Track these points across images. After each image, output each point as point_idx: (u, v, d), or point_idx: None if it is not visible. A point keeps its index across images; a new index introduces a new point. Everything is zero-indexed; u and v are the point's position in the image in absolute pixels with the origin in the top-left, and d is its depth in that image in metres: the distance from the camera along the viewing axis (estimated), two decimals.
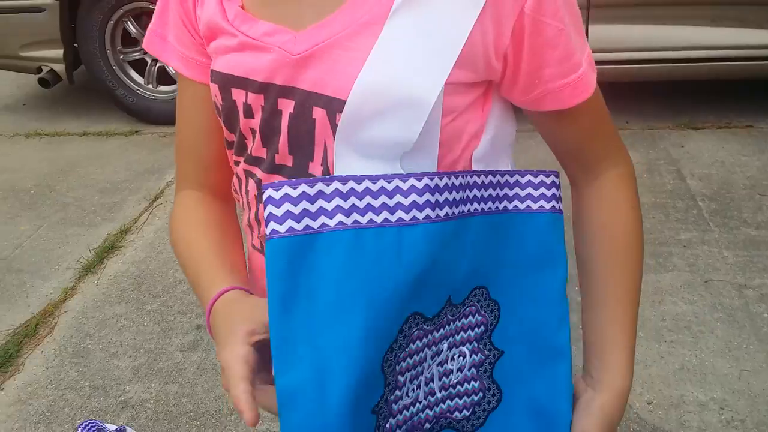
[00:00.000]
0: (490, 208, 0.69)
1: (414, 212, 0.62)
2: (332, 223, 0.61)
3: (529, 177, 0.72)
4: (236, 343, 0.65)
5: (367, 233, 0.61)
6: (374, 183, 0.61)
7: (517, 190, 0.71)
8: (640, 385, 2.03)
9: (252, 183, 0.77)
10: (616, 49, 3.38)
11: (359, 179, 0.61)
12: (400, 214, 0.62)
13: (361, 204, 0.61)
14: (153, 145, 3.91)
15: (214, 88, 0.75)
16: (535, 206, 0.72)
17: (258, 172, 0.75)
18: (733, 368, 2.07)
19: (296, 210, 0.60)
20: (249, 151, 0.76)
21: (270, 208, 0.60)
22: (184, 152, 0.86)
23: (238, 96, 0.72)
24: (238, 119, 0.74)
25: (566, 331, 0.74)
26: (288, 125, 0.70)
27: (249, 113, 0.72)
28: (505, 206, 0.70)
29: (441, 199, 0.63)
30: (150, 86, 4.07)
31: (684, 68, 3.42)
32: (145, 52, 4.07)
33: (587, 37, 3.24)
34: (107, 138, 4.06)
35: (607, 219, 0.77)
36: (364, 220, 0.61)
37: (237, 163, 0.80)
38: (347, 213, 0.61)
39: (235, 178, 0.82)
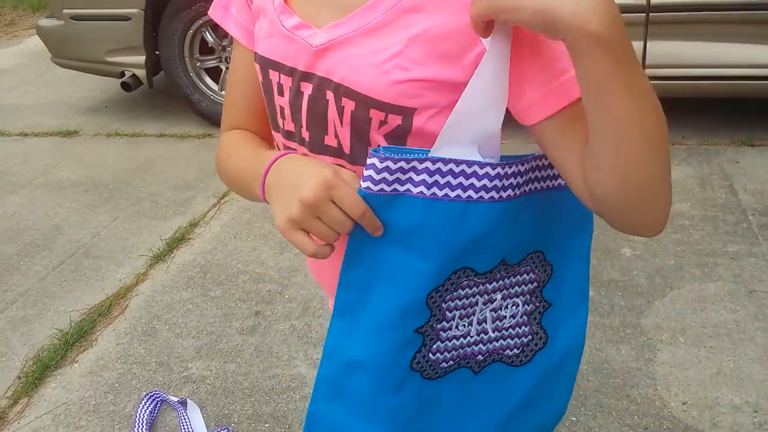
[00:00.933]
0: (546, 185, 0.80)
1: (482, 193, 0.74)
2: (414, 191, 0.73)
3: None
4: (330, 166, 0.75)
5: (439, 204, 0.74)
6: (458, 166, 0.73)
7: (550, 170, 0.82)
8: (676, 386, 2.09)
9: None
10: (674, 65, 3.43)
11: (447, 161, 0.73)
12: (470, 192, 0.74)
13: (442, 181, 0.73)
14: None
15: (257, 67, 0.90)
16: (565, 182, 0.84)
17: (293, 145, 0.90)
18: None
19: (390, 177, 0.73)
20: (282, 126, 0.90)
21: (370, 172, 0.73)
22: (233, 103, 0.99)
23: (274, 77, 0.87)
24: (273, 96, 0.88)
25: (588, 276, 0.88)
26: (307, 105, 0.84)
27: (281, 92, 0.87)
28: (559, 183, 0.80)
29: (506, 183, 0.75)
30: (223, 92, 4.31)
31: (743, 86, 3.44)
32: (220, 61, 4.32)
33: (645, 52, 3.30)
34: (182, 140, 4.31)
35: None
36: (440, 193, 0.73)
37: (276, 137, 0.95)
38: (429, 186, 0.73)
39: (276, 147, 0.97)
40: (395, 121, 0.78)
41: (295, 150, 0.89)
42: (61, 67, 4.71)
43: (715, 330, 2.30)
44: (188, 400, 2.23)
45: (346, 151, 0.83)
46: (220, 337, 2.53)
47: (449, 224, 0.74)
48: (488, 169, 0.74)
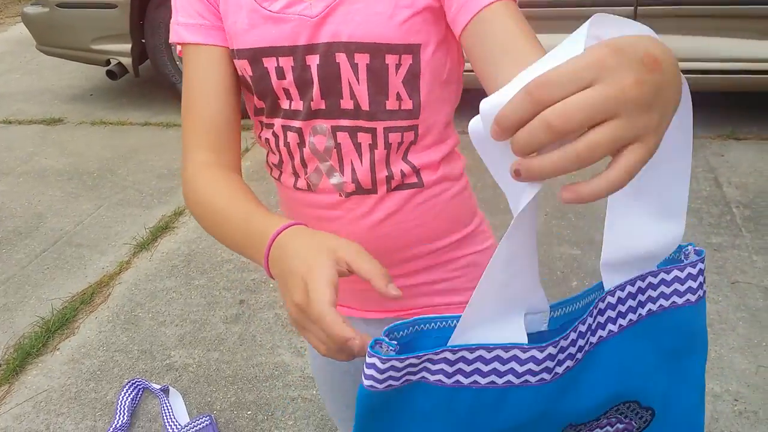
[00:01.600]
0: (630, 320, 0.62)
1: (527, 377, 0.57)
2: (431, 378, 0.58)
3: (675, 273, 0.63)
4: (324, 266, 0.62)
5: (466, 392, 0.58)
6: (490, 352, 0.57)
7: (662, 289, 0.63)
8: None
9: (291, 134, 0.89)
10: None
11: (473, 349, 0.56)
12: (509, 377, 0.57)
13: (468, 368, 0.57)
14: None
15: (243, 63, 0.86)
16: (680, 300, 0.63)
17: (296, 123, 0.88)
18: (751, 364, 2.11)
19: (398, 374, 0.57)
20: (286, 107, 0.88)
21: (371, 372, 0.56)
22: (196, 116, 0.88)
23: (270, 63, 0.85)
24: (271, 83, 0.86)
25: (704, 405, 0.71)
26: (318, 75, 0.84)
27: (281, 75, 0.85)
28: (649, 309, 0.63)
29: (563, 357, 0.57)
30: None
31: (728, 80, 3.45)
32: None
33: None
34: (167, 128, 4.28)
35: None
36: (466, 381, 0.58)
37: (270, 125, 0.91)
38: (450, 375, 0.58)
39: (270, 138, 0.93)
40: (407, 60, 0.82)
41: (297, 128, 0.88)
42: (46, 54, 4.68)
43: None
44: (170, 388, 2.22)
45: (365, 108, 0.84)
46: (203, 325, 2.52)
47: (479, 413, 0.59)
48: (534, 352, 0.56)
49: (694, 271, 0.62)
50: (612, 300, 0.60)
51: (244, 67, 0.87)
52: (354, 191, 0.90)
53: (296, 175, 0.93)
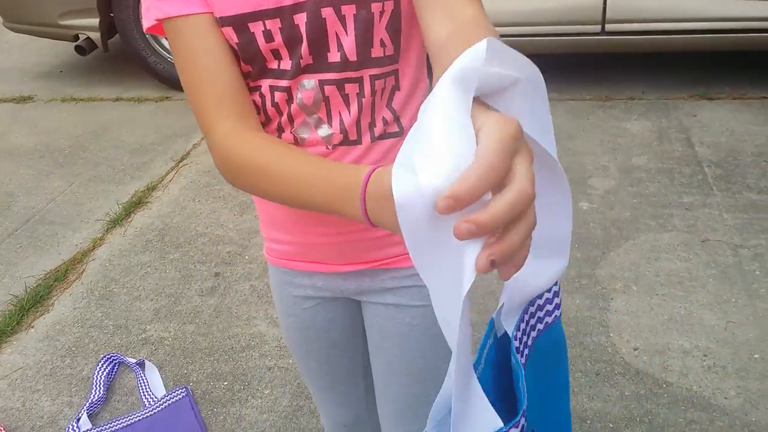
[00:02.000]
0: (527, 353, 0.67)
1: None
2: None
3: (545, 295, 0.69)
4: None
5: None
6: None
7: (538, 314, 0.69)
8: (628, 333, 2.13)
9: (279, 94, 0.89)
10: (633, 20, 3.43)
11: None
12: None
13: None
14: (181, 110, 4.06)
15: (227, 30, 0.85)
16: (551, 319, 0.70)
17: (284, 82, 0.88)
18: (720, 320, 2.14)
19: None
20: (275, 67, 0.88)
21: None
22: (209, 88, 0.85)
23: (256, 27, 0.84)
24: (259, 47, 0.86)
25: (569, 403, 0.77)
26: (307, 32, 0.84)
27: (270, 38, 0.85)
28: (533, 337, 0.68)
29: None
30: None
31: (701, 39, 3.45)
32: None
33: (605, 6, 3.30)
34: (138, 103, 4.23)
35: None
36: None
37: (256, 88, 0.90)
38: None
39: (257, 99, 0.91)
40: (389, 6, 0.84)
41: (284, 86, 0.88)
42: (14, 32, 4.58)
43: (667, 278, 2.33)
44: (146, 362, 2.22)
45: (352, 59, 0.85)
46: (178, 299, 2.51)
47: None
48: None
49: (556, 288, 0.70)
50: (517, 343, 0.64)
51: (228, 34, 0.85)
52: (340, 142, 0.91)
53: (281, 130, 0.93)
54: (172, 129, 3.84)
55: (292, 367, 2.16)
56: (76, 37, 4.27)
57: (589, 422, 1.86)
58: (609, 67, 4.04)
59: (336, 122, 0.90)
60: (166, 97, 4.26)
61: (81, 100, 4.36)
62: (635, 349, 2.07)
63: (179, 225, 2.95)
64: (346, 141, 0.91)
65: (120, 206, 3.10)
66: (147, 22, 0.87)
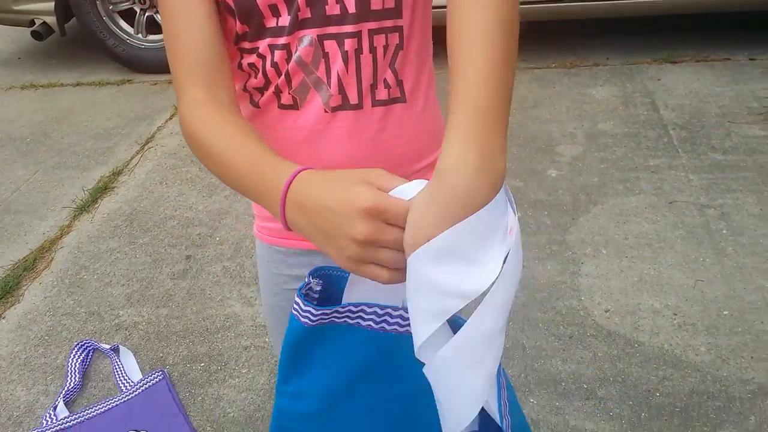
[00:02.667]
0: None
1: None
2: (357, 323, 0.74)
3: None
4: (367, 190, 0.62)
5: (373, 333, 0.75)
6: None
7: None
8: (599, 295, 2.16)
9: (278, 52, 0.87)
10: None
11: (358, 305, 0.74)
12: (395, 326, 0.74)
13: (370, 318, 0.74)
14: (144, 93, 4.00)
15: None
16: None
17: (282, 39, 0.86)
18: (689, 279, 2.18)
19: (326, 316, 0.74)
20: (273, 25, 0.86)
21: (308, 314, 0.74)
22: (182, 49, 0.86)
23: None
24: (256, 3, 0.84)
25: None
26: None
27: None
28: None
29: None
30: (139, 35, 4.15)
31: (662, 3, 3.47)
32: (134, 2, 4.14)
33: None
34: (100, 87, 4.15)
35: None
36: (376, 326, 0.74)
37: (253, 50, 0.89)
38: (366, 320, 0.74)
39: (255, 60, 0.90)
40: None
41: (283, 44, 0.86)
42: None
43: (636, 241, 2.37)
44: (120, 347, 2.20)
45: (351, 11, 0.83)
46: (150, 283, 2.49)
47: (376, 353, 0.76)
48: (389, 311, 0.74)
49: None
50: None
51: None
52: (340, 105, 0.89)
53: (279, 92, 0.91)
54: (134, 112, 3.78)
55: (269, 345, 2.16)
56: (32, 23, 4.17)
57: (563, 384, 1.89)
58: (573, 35, 4.05)
59: (335, 81, 0.87)
60: (128, 80, 4.19)
61: (41, 86, 4.27)
62: (606, 311, 2.10)
63: (147, 209, 2.92)
64: (345, 105, 0.89)
65: (86, 192, 3.06)
66: None
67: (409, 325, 0.66)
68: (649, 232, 2.40)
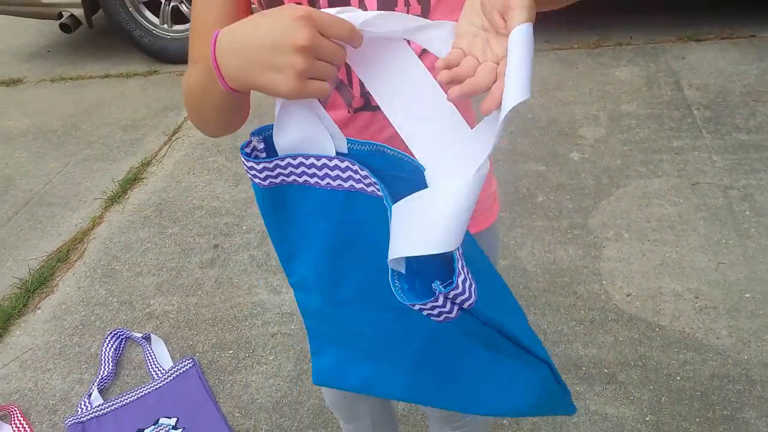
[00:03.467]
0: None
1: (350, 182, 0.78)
2: (305, 180, 0.78)
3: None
4: (304, 27, 0.65)
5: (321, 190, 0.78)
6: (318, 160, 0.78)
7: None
8: (621, 279, 2.17)
9: None
10: None
11: (307, 156, 0.77)
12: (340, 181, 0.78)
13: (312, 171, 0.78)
14: (171, 83, 4.06)
15: None
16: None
17: None
18: (711, 262, 2.18)
19: (273, 173, 0.78)
20: None
21: (253, 170, 0.77)
22: (198, 33, 0.90)
23: None
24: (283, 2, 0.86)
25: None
26: None
27: None
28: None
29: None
30: (165, 26, 4.20)
31: None
32: None
33: None
34: (127, 79, 4.22)
35: None
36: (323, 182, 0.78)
37: None
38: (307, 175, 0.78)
39: None
40: None
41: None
42: None
43: (658, 224, 2.37)
44: (152, 335, 2.27)
45: None
46: (180, 272, 2.56)
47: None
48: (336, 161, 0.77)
49: None
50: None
51: None
52: (362, 106, 0.91)
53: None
54: (162, 103, 3.85)
55: (294, 332, 2.21)
56: (60, 15, 4.24)
57: (584, 369, 1.91)
58: (596, 13, 4.01)
59: (356, 83, 0.89)
60: (155, 71, 4.25)
61: (70, 79, 4.35)
62: (628, 295, 2.11)
63: (176, 199, 2.98)
64: (367, 106, 0.91)
65: (116, 183, 3.13)
66: None
67: (353, 179, 0.74)
68: (672, 214, 2.40)
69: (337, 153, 0.75)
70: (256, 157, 0.78)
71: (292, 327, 2.23)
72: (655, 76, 3.28)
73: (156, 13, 4.22)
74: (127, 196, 3.05)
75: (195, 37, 0.90)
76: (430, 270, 0.70)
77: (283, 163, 0.77)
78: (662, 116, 2.95)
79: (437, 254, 0.64)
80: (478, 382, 0.79)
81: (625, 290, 2.13)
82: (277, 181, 0.78)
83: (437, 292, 0.64)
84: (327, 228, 0.79)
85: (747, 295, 2.05)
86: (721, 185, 2.49)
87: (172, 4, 4.15)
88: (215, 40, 0.70)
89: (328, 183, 0.77)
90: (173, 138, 3.47)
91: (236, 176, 3.06)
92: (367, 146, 0.76)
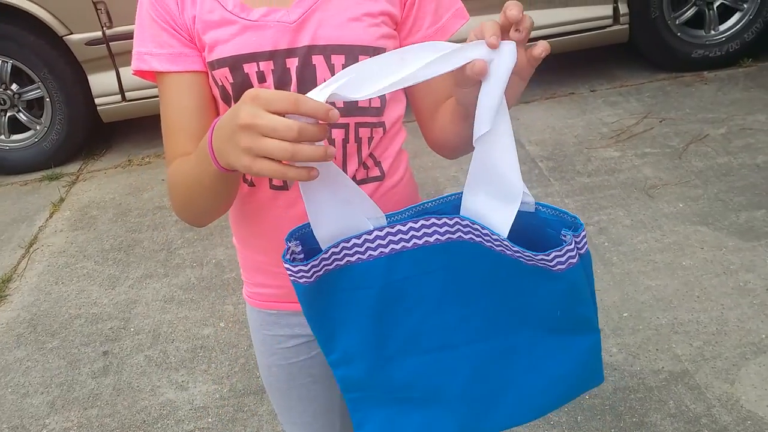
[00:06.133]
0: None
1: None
2: (351, 259, 0.84)
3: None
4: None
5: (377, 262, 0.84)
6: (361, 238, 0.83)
7: None
8: None
9: None
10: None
11: (349, 239, 0.83)
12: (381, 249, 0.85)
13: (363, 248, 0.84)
14: (15, 194, 3.86)
15: (224, 71, 0.93)
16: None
17: None
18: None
19: (318, 267, 0.83)
20: None
21: (301, 273, 0.82)
22: (174, 132, 0.97)
23: (250, 68, 0.93)
24: (253, 86, 0.93)
25: None
26: (297, 77, 0.93)
27: (262, 78, 0.93)
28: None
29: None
30: (2, 137, 4.01)
31: None
32: None
33: None
34: None
35: None
36: (376, 253, 0.84)
37: None
38: (362, 252, 0.84)
39: None
40: None
41: None
42: None
43: None
44: None
45: (339, 105, 0.90)
46: (71, 386, 2.42)
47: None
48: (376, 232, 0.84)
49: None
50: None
51: (224, 75, 0.93)
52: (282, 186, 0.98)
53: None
54: (9, 215, 3.64)
55: (213, 425, 2.16)
56: None
57: None
58: None
59: None
60: None
61: None
62: None
63: (48, 312, 2.83)
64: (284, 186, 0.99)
65: None
66: (135, 66, 0.97)
67: (394, 241, 0.81)
68: None
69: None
70: (295, 260, 0.83)
71: (209, 420, 2.19)
72: None
73: None
74: None
75: (170, 135, 0.98)
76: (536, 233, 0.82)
77: (327, 255, 0.82)
78: None
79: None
80: (529, 376, 0.86)
81: None
82: (321, 272, 0.83)
83: (569, 238, 0.76)
84: (368, 295, 0.84)
85: (625, 314, 2.30)
86: None
87: (8, 114, 3.98)
88: (211, 132, 0.81)
89: (370, 255, 0.83)
90: (30, 250, 3.29)
91: (110, 279, 2.97)
92: (406, 213, 0.84)
